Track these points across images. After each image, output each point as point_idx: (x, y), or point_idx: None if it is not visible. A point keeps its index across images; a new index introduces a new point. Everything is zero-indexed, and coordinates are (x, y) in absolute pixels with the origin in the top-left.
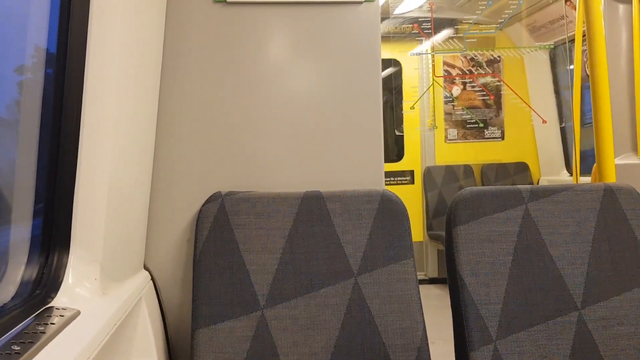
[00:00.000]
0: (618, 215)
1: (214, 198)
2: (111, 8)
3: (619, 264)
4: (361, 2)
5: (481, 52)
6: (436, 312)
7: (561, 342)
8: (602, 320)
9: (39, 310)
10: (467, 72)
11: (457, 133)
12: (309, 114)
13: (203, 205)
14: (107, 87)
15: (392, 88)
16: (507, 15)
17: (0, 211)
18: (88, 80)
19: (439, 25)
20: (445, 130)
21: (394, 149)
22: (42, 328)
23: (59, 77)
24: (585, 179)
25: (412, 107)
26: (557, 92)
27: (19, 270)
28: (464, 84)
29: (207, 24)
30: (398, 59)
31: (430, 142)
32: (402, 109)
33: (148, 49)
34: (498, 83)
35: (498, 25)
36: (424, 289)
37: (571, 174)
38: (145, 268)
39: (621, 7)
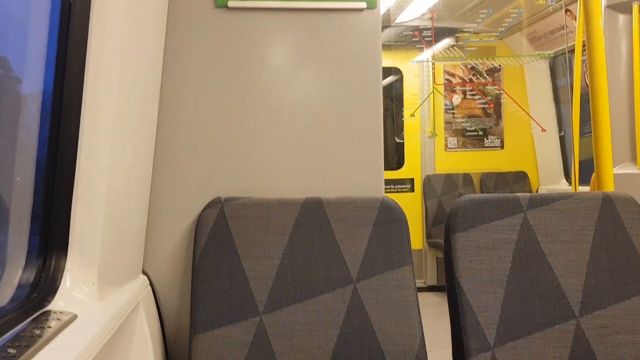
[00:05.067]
0: (616, 224)
1: (213, 203)
2: (112, 13)
3: (617, 273)
4: (362, 10)
5: (481, 61)
6: (435, 319)
7: (559, 350)
8: (600, 329)
9: (36, 313)
10: (468, 80)
11: (457, 142)
12: (310, 120)
13: (203, 211)
14: (107, 91)
15: (393, 96)
16: (507, 24)
17: None
18: (88, 84)
19: (439, 33)
20: (445, 138)
21: (394, 156)
22: (39, 331)
23: (58, 81)
24: (584, 189)
25: (413, 115)
26: (556, 101)
27: (16, 274)
28: (464, 92)
29: (209, 29)
30: (399, 67)
31: (430, 150)
32: (402, 117)
33: (149, 54)
34: (498, 92)
35: (498, 35)
36: (423, 297)
37: (570, 183)
38: (144, 273)
39: (621, 17)
